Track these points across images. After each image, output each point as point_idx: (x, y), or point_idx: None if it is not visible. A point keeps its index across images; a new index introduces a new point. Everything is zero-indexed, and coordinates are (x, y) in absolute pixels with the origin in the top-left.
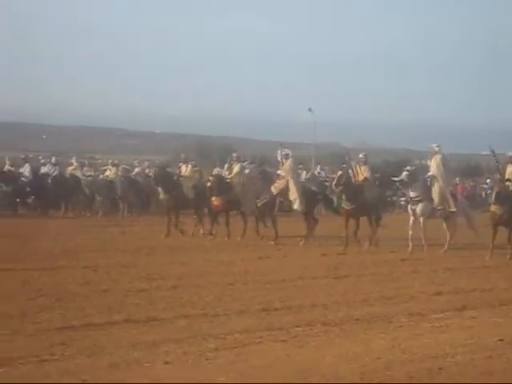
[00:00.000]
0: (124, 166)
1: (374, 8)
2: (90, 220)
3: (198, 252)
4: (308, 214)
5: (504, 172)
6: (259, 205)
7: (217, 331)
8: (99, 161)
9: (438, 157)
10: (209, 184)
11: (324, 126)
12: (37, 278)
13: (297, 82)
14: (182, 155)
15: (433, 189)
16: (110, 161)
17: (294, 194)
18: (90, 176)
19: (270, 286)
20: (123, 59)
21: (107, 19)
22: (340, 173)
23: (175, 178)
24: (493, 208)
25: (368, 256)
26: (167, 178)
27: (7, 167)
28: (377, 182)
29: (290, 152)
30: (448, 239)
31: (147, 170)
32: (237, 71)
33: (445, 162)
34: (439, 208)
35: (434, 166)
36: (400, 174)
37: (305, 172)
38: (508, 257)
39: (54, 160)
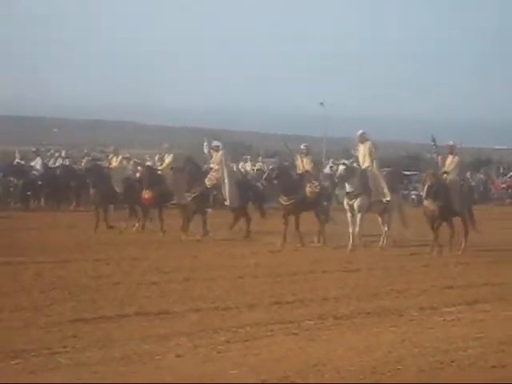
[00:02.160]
0: (135, 160)
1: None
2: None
3: (209, 245)
4: (240, 209)
5: (444, 162)
6: (190, 198)
7: (228, 324)
8: (111, 155)
9: (368, 144)
10: (139, 176)
11: (336, 121)
12: (49, 271)
13: (309, 75)
14: (111, 147)
15: (369, 181)
16: (121, 155)
17: (225, 188)
18: None
19: (281, 279)
20: (135, 52)
21: (121, 15)
22: (271, 166)
23: (105, 170)
24: (425, 203)
25: (379, 250)
26: (96, 171)
27: (17, 160)
28: (320, 175)
29: (220, 144)
30: (384, 234)
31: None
32: (249, 65)
33: (375, 148)
34: (376, 200)
35: (364, 154)
36: (413, 167)
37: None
38: (433, 254)
39: (64, 153)
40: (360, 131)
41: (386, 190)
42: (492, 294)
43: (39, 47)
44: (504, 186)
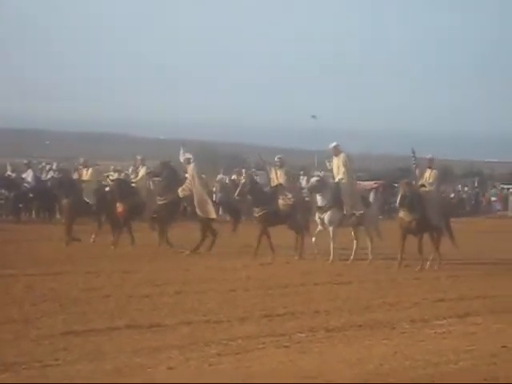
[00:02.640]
0: (126, 172)
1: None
2: (93, 226)
3: (201, 259)
4: (208, 222)
5: (422, 175)
6: (160, 203)
7: (219, 337)
8: (101, 167)
9: (342, 155)
10: (108, 189)
11: (328, 133)
12: (40, 284)
13: (300, 88)
14: (81, 159)
15: (341, 192)
16: (111, 167)
17: (196, 200)
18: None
19: (272, 292)
20: (127, 64)
21: (116, 21)
22: (243, 181)
23: (75, 182)
24: (401, 214)
25: (370, 263)
26: (66, 183)
27: (8, 173)
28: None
29: (191, 156)
30: (354, 248)
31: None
32: (245, 78)
33: (350, 160)
34: (349, 214)
35: (338, 166)
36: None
37: (306, 178)
38: (418, 268)
39: (55, 166)
40: (333, 143)
41: (358, 203)
42: (483, 307)
43: (35, 59)
44: (495, 199)
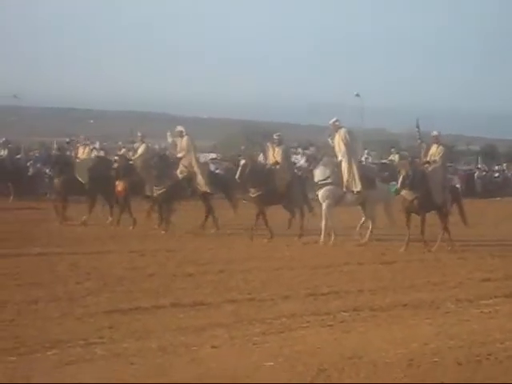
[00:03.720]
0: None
1: None
2: (137, 204)
3: (244, 237)
4: (208, 197)
5: (427, 152)
6: (156, 194)
7: (263, 316)
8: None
9: (342, 131)
10: (116, 166)
11: (371, 112)
12: (84, 262)
13: (345, 66)
14: (81, 136)
15: (341, 169)
16: (156, 146)
17: (200, 175)
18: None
19: (316, 271)
20: (166, 43)
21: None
22: (243, 162)
23: (71, 160)
24: (403, 193)
25: (414, 242)
26: (61, 161)
27: (54, 152)
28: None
29: (183, 129)
30: (370, 228)
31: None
32: (285, 56)
33: (351, 136)
34: (351, 191)
35: (338, 142)
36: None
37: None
38: (427, 249)
39: (98, 145)
40: (333, 119)
41: (357, 180)
42: None
43: (78, 38)
44: None
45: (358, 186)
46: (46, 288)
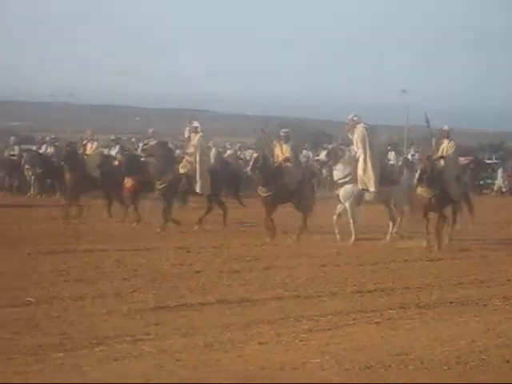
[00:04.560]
0: (218, 149)
1: None
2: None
3: (290, 234)
4: (213, 197)
5: (438, 147)
6: (159, 188)
7: (310, 313)
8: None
9: (361, 126)
10: (116, 163)
11: (417, 109)
12: (130, 259)
13: (388, 63)
14: (88, 131)
15: (358, 167)
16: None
17: (198, 175)
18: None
19: (362, 268)
20: (216, 41)
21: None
22: (255, 155)
23: (80, 156)
24: (419, 190)
25: (460, 239)
26: (73, 157)
27: (99, 149)
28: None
29: (199, 125)
30: (390, 228)
31: (239, 153)
32: (330, 53)
33: (370, 133)
34: (370, 190)
35: (357, 138)
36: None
37: (394, 154)
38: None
39: (142, 143)
40: (350, 115)
41: (372, 180)
42: None
43: (123, 35)
44: None
45: (372, 186)
46: (93, 284)
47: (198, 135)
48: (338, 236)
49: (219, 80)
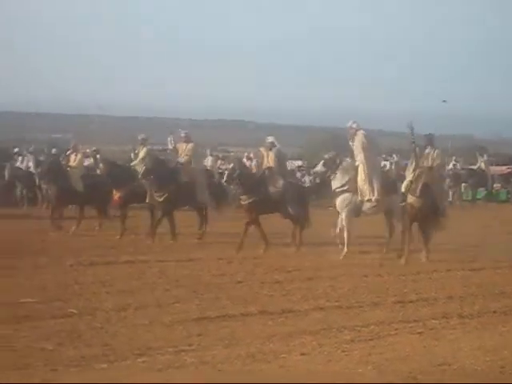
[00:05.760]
0: (257, 160)
1: None
2: (223, 212)
3: (329, 245)
4: (206, 207)
5: (421, 156)
6: (161, 200)
7: (352, 323)
8: (232, 153)
9: (360, 134)
10: (99, 172)
11: (458, 119)
12: (172, 270)
13: (429, 72)
14: (72, 143)
15: (358, 176)
16: (245, 154)
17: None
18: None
19: (404, 277)
20: (251, 51)
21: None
22: (231, 165)
23: (64, 168)
24: (410, 200)
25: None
26: (56, 169)
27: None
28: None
29: (188, 134)
30: (389, 238)
31: None
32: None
33: (369, 140)
34: (366, 200)
35: (357, 146)
36: None
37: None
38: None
39: None
40: (349, 122)
41: (376, 189)
42: None
43: (160, 46)
44: None
45: (374, 193)
46: (135, 295)
47: (191, 144)
48: (341, 248)
49: (267, 93)
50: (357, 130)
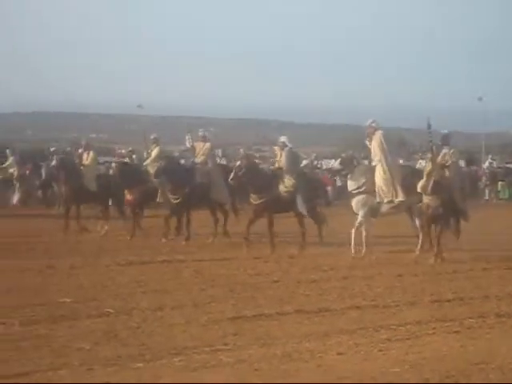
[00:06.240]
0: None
1: None
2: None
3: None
4: (225, 205)
5: (438, 154)
6: (175, 202)
7: (388, 322)
8: (266, 153)
9: (379, 133)
10: (111, 172)
11: (494, 115)
12: (208, 269)
13: (465, 68)
14: (83, 141)
15: (375, 177)
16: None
17: (214, 184)
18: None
19: (440, 276)
20: (275, 51)
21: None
22: (238, 163)
23: (76, 167)
24: (426, 199)
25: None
26: (69, 167)
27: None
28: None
29: (205, 134)
30: (420, 239)
31: (315, 162)
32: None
33: (387, 139)
34: (386, 201)
35: (375, 146)
36: None
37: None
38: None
39: (220, 153)
40: (369, 120)
41: (398, 189)
42: None
43: (193, 45)
44: None
45: (399, 196)
46: (171, 295)
47: (208, 144)
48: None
49: (304, 92)
50: (376, 130)
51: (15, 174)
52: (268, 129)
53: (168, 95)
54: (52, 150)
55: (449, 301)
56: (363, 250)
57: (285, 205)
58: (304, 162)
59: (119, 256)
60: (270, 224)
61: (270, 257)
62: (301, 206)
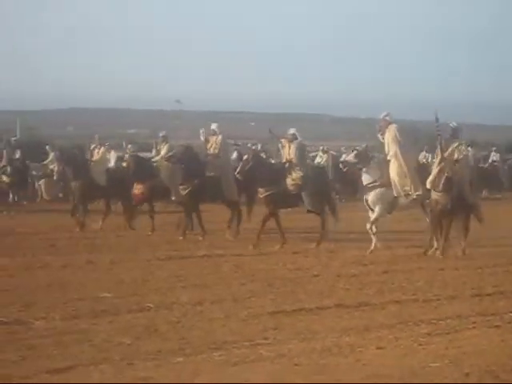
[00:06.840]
0: (332, 153)
1: None
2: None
3: (403, 240)
4: (236, 202)
5: (447, 148)
6: (181, 193)
7: (428, 316)
8: (308, 148)
9: (393, 127)
10: (124, 164)
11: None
12: (248, 264)
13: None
14: (96, 137)
15: (391, 170)
16: (320, 147)
17: (224, 179)
18: None
19: (481, 271)
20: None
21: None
22: (245, 157)
23: (87, 162)
24: (435, 195)
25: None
26: (77, 161)
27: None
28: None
29: (216, 127)
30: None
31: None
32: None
33: (402, 132)
34: (403, 195)
35: (389, 139)
36: None
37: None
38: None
39: (260, 147)
40: (383, 113)
41: (415, 183)
42: None
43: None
44: None
45: (418, 189)
46: (211, 289)
47: (220, 137)
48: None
49: (337, 84)
50: (389, 123)
51: (55, 169)
52: (309, 123)
53: (212, 90)
54: (93, 146)
55: (489, 295)
56: (372, 245)
57: (293, 198)
58: (343, 157)
59: (160, 251)
60: (269, 217)
61: (309, 251)
62: (306, 200)
